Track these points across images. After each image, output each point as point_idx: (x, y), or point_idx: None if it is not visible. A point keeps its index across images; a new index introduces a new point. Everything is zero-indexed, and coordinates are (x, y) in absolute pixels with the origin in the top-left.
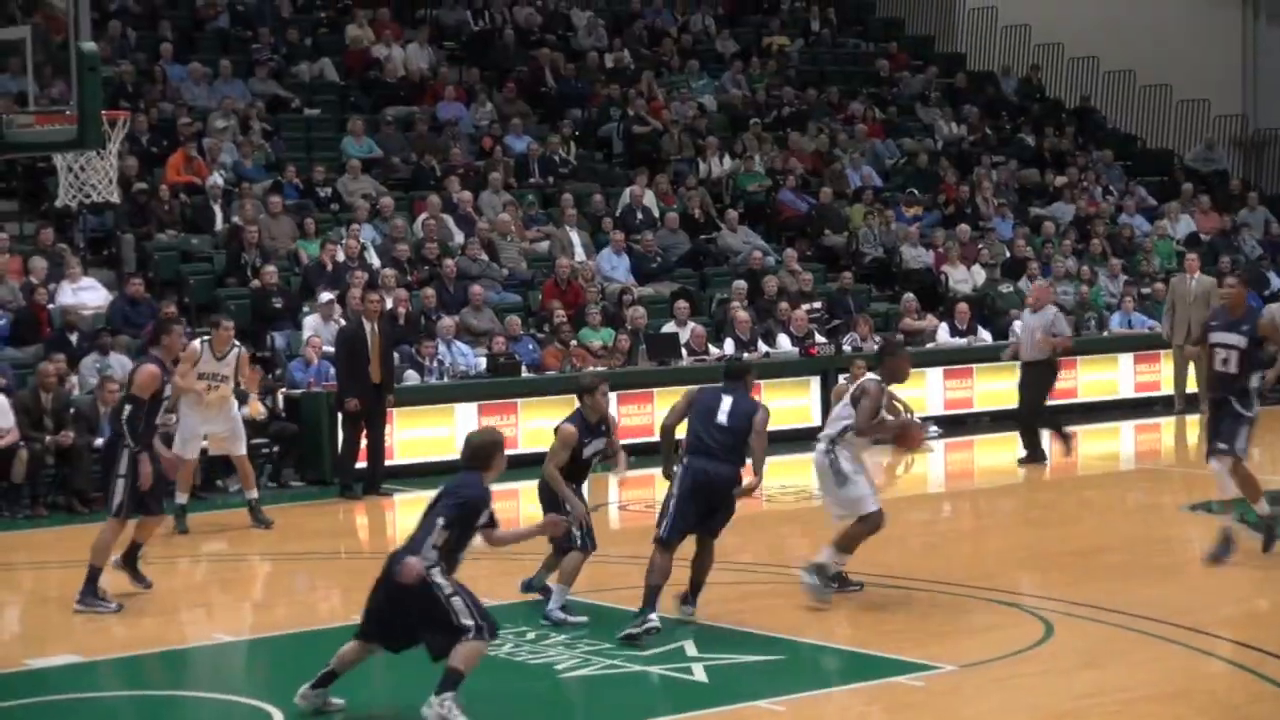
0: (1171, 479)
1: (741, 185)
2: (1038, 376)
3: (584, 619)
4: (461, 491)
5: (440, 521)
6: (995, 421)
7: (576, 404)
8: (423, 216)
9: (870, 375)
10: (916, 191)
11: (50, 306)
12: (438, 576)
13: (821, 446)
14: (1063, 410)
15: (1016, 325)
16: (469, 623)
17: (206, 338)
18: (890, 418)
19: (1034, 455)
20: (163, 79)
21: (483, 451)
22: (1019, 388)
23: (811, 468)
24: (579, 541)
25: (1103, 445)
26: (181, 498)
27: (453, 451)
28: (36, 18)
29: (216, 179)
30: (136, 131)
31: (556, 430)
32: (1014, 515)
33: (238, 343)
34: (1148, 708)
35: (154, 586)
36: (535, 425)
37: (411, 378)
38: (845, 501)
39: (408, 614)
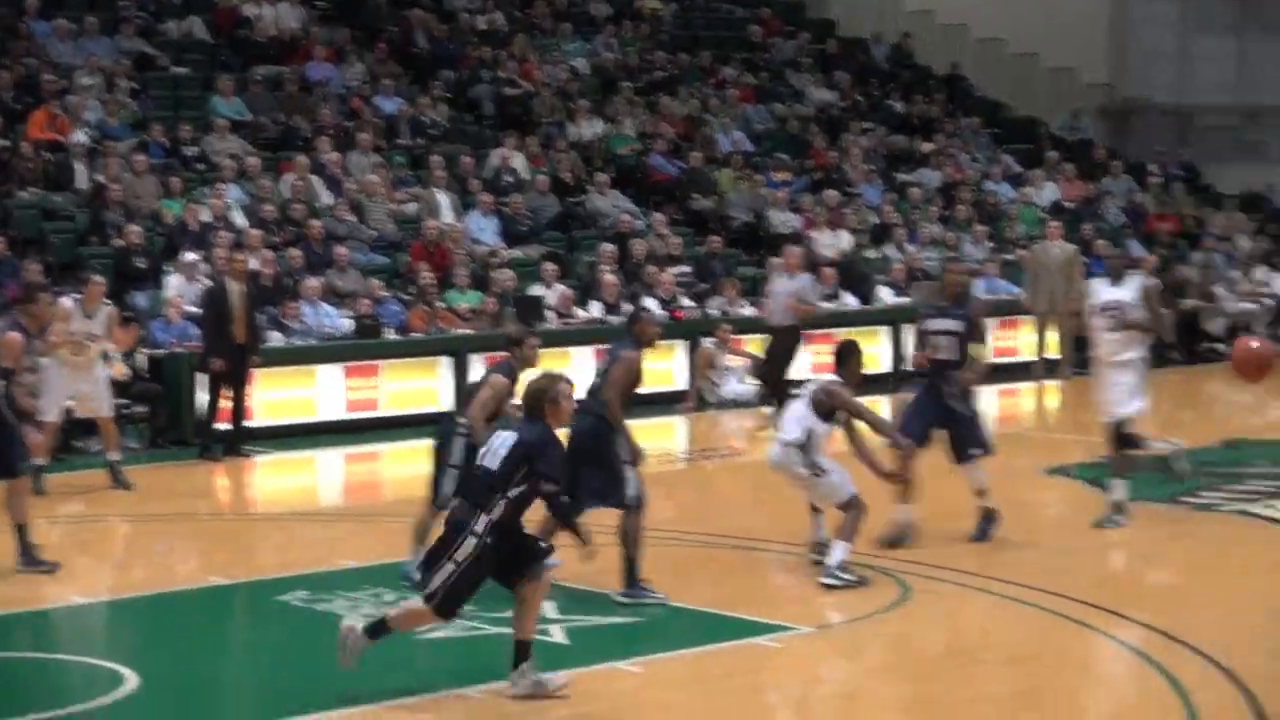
0: (1032, 444)
1: (612, 149)
2: (782, 342)
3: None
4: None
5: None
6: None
7: (505, 354)
8: (290, 177)
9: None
10: (786, 157)
11: None
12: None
13: (788, 449)
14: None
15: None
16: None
17: (77, 295)
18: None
19: None
20: (27, 35)
21: (530, 400)
22: (766, 352)
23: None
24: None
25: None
26: (39, 459)
27: (315, 413)
28: None
29: (80, 136)
30: None
31: (487, 379)
32: (875, 480)
33: (108, 301)
34: (1001, 669)
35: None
36: (398, 388)
37: (276, 339)
38: (822, 493)
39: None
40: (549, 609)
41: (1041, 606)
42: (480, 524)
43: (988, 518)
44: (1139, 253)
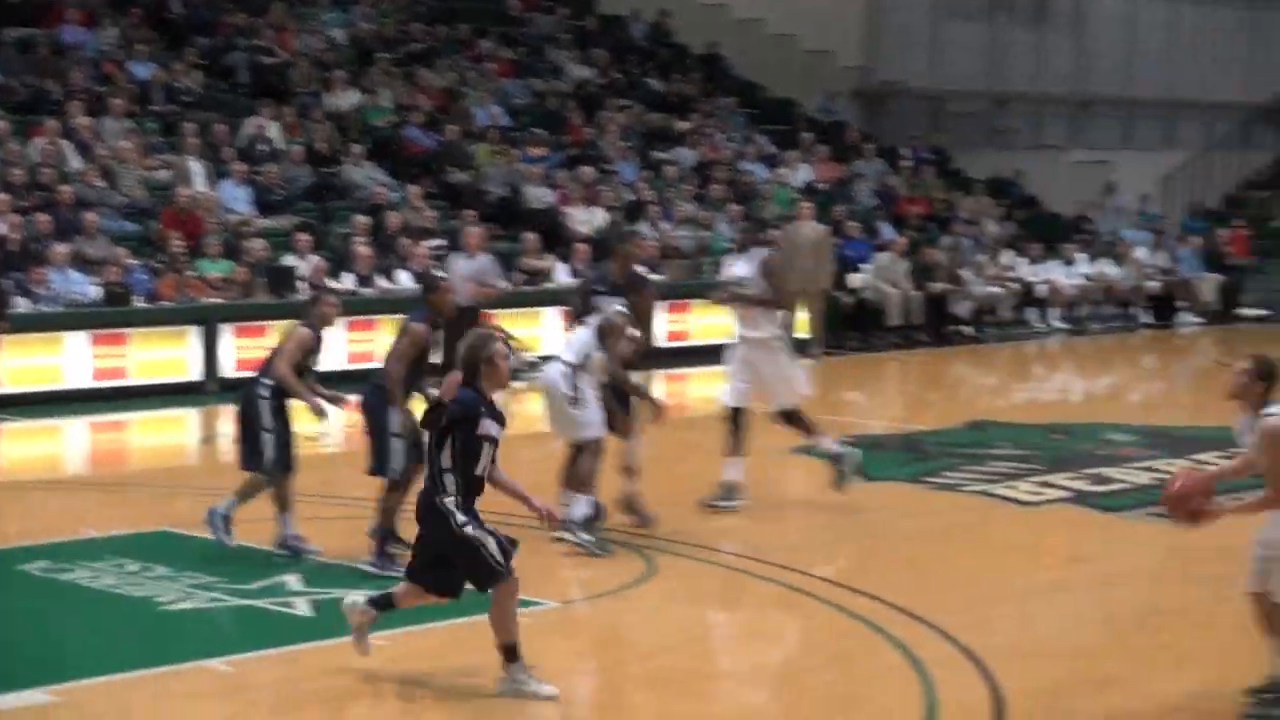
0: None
1: (368, 120)
2: (459, 325)
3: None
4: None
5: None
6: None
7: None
8: (40, 141)
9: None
10: (543, 132)
11: None
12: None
13: (562, 369)
14: (681, 353)
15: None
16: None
17: None
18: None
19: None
20: None
21: (464, 363)
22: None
23: (545, 385)
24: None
25: (710, 388)
26: None
27: (62, 381)
28: None
29: None
30: None
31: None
32: (620, 456)
33: None
34: (743, 644)
35: None
36: (147, 356)
37: (23, 305)
38: (572, 422)
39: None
40: (293, 581)
41: (783, 583)
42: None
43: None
44: (889, 235)
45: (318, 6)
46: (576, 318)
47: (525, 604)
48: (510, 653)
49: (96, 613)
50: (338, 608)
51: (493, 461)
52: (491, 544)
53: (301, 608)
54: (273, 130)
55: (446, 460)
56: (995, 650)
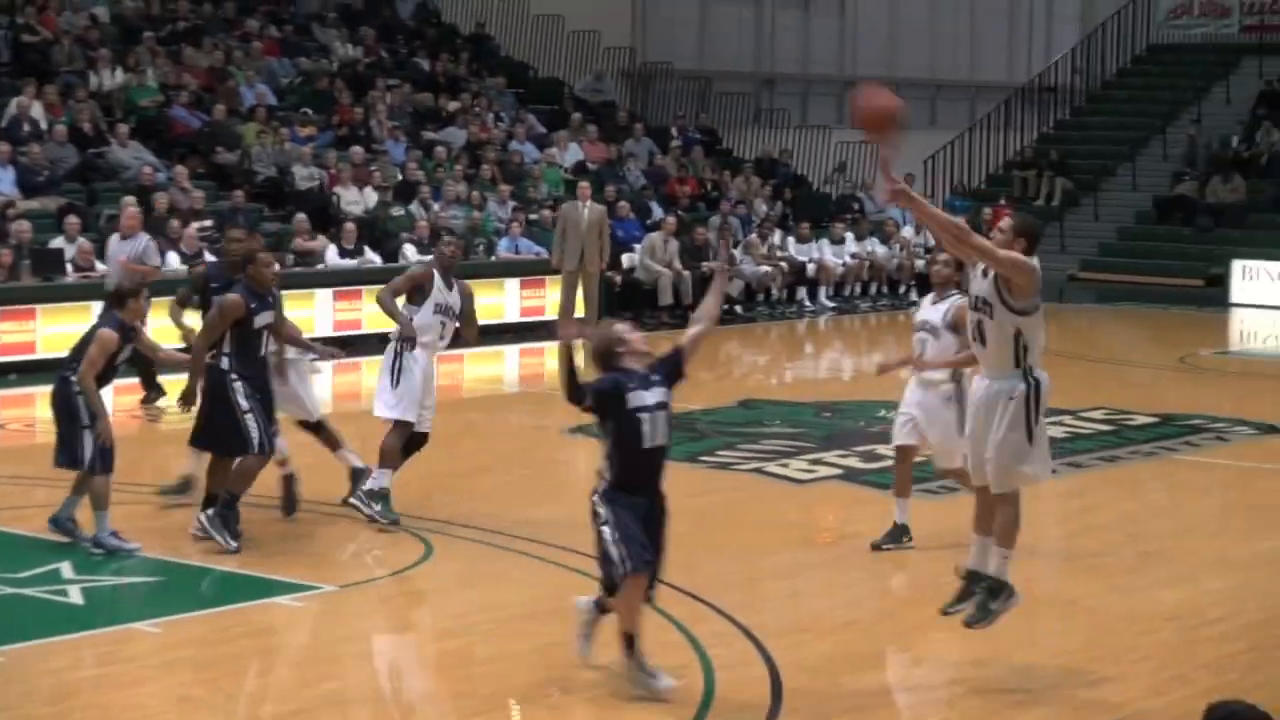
0: (555, 403)
1: (134, 100)
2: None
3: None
4: None
5: None
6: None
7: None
8: None
9: None
10: (310, 111)
11: None
12: None
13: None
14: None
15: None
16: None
17: None
18: None
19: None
20: None
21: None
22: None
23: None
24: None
25: (488, 368)
26: None
27: None
28: None
29: None
30: None
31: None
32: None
33: None
34: (522, 625)
35: None
36: None
37: None
38: (391, 400)
39: None
40: (66, 569)
41: (561, 564)
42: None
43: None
44: (660, 215)
45: None
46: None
47: (303, 587)
48: (629, 642)
49: None
50: (108, 596)
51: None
52: (614, 549)
53: (75, 596)
54: (35, 109)
55: (603, 448)
56: (770, 627)
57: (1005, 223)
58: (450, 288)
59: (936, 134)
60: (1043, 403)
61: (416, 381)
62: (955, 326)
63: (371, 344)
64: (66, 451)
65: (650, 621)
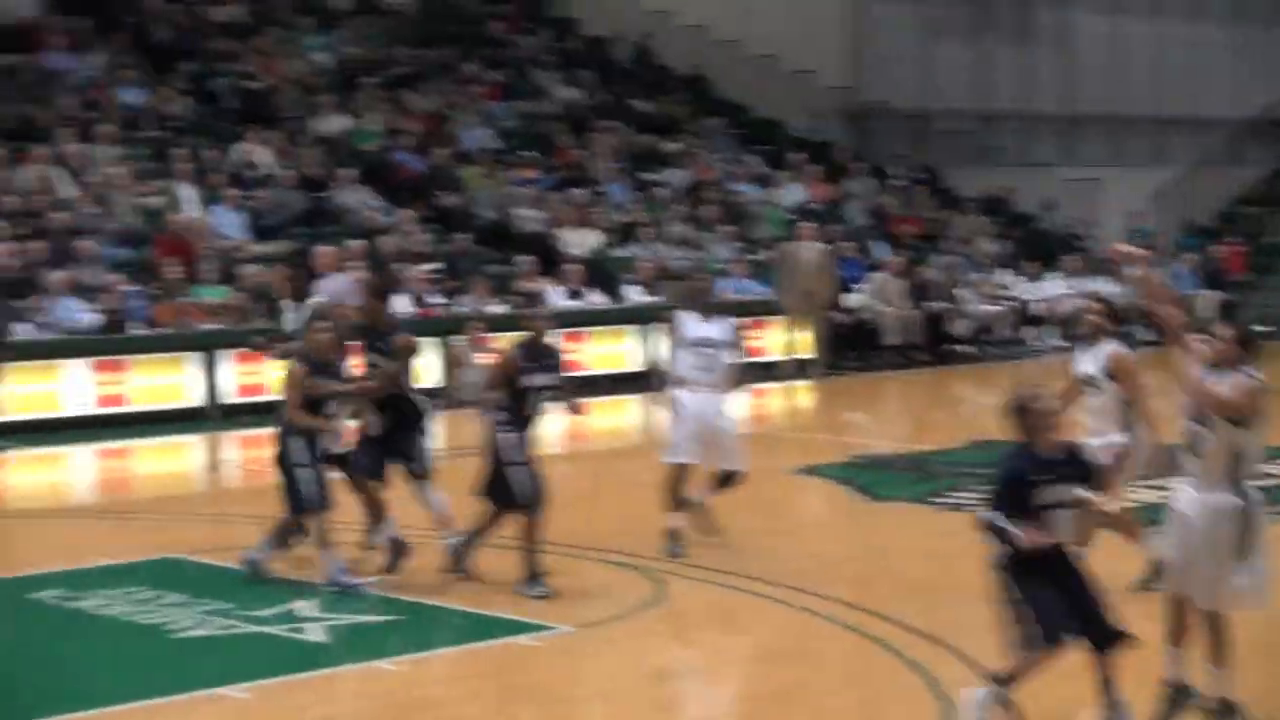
0: (783, 443)
1: (357, 144)
2: None
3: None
4: None
5: None
6: (613, 384)
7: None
8: (31, 168)
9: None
10: (532, 154)
11: None
12: None
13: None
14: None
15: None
16: None
17: None
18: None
19: None
20: None
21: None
22: None
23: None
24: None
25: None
26: None
27: (59, 408)
28: None
29: None
30: None
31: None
32: (628, 478)
33: None
34: (761, 668)
35: None
36: (146, 382)
37: (25, 332)
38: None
39: None
40: (306, 608)
41: (796, 605)
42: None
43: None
44: (884, 254)
45: (302, 30)
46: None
47: (540, 627)
48: (999, 680)
49: (110, 641)
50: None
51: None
52: (1030, 614)
53: (316, 634)
54: (262, 155)
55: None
56: None
57: (1224, 332)
58: (708, 318)
59: (1162, 170)
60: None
61: (687, 422)
62: (1115, 376)
63: (599, 384)
64: (290, 496)
65: (889, 665)
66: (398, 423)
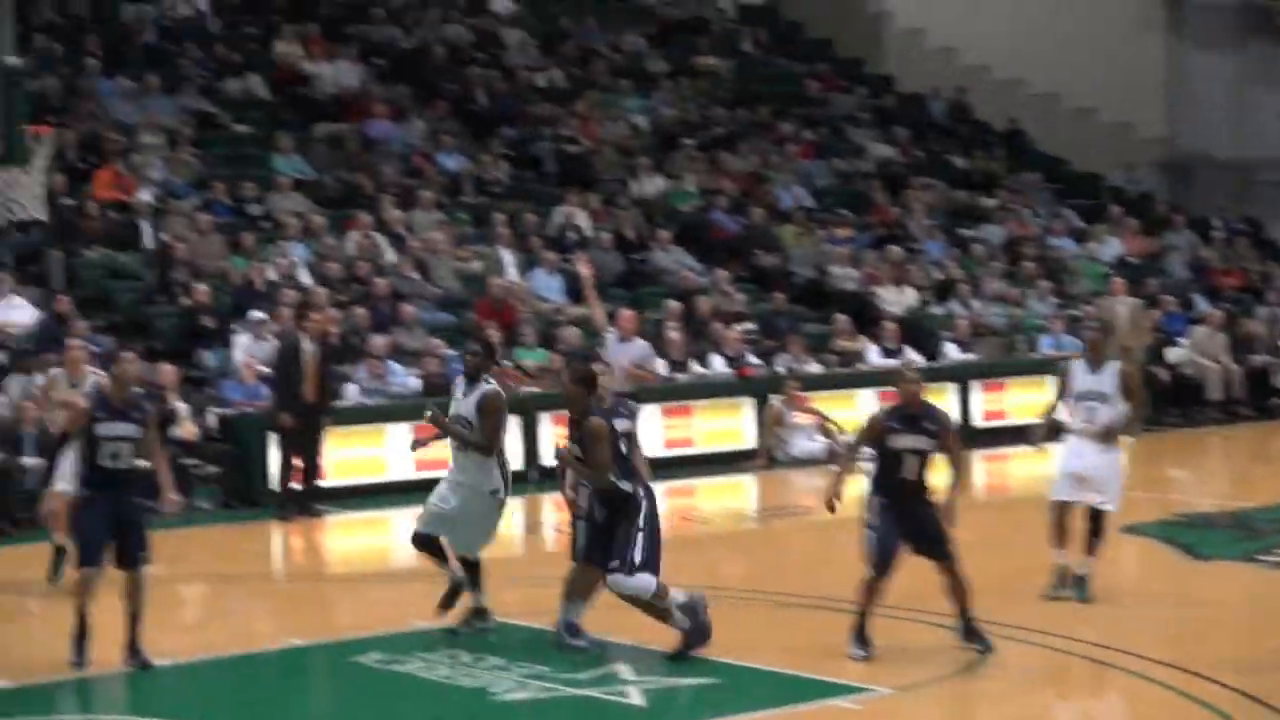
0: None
1: (674, 205)
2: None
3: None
4: None
5: None
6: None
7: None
8: (354, 235)
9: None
10: (848, 212)
11: None
12: None
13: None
14: (995, 432)
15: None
16: None
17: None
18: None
19: None
20: (90, 94)
21: None
22: None
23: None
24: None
25: (1035, 468)
26: (60, 539)
27: (385, 473)
28: None
29: (145, 195)
30: (64, 147)
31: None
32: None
33: (96, 370)
34: None
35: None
36: None
37: (352, 393)
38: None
39: None
40: (625, 670)
41: (1118, 666)
42: None
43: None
44: (1205, 308)
45: (619, 94)
46: None
47: (858, 689)
48: None
49: (435, 704)
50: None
51: None
52: None
53: (635, 697)
54: (581, 218)
55: None
56: None
57: None
58: (1098, 369)
59: None
60: None
61: (1071, 462)
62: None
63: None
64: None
65: (1191, 710)
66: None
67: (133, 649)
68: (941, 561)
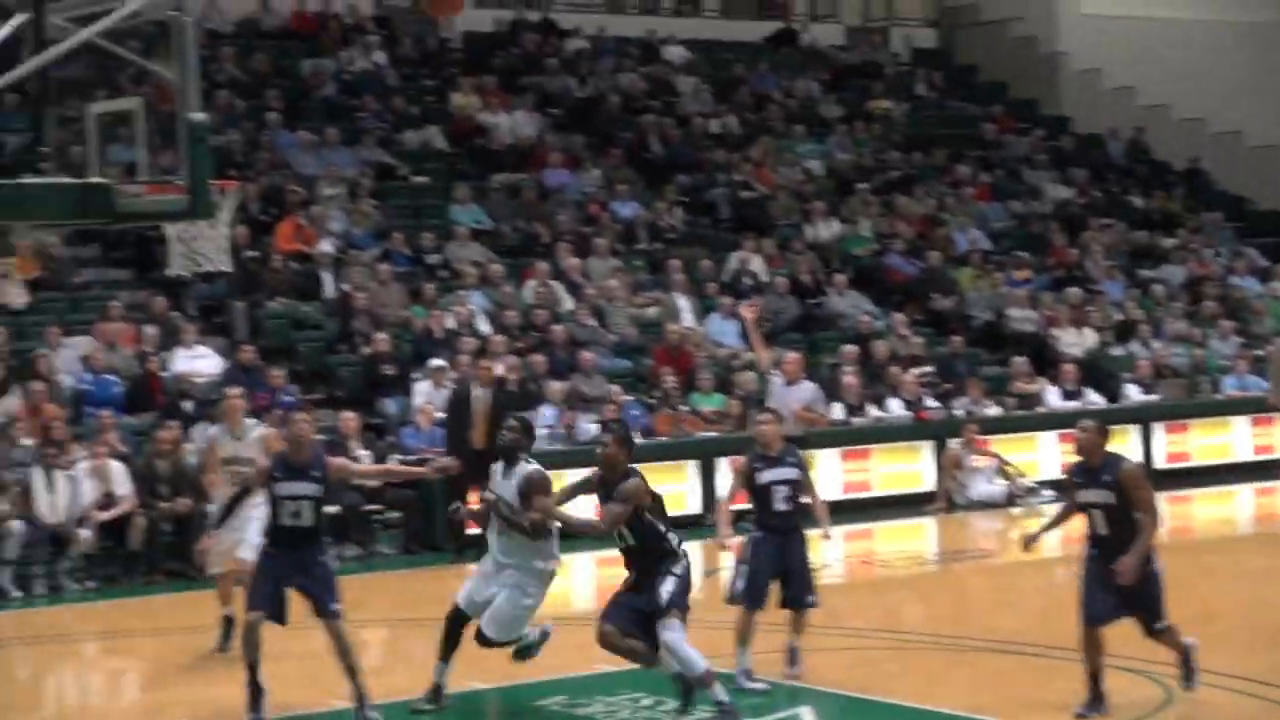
0: None
1: (849, 249)
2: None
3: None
4: None
5: None
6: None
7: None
8: (531, 283)
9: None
10: (1026, 254)
11: (163, 374)
12: None
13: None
14: (1178, 474)
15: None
16: None
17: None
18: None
19: None
20: (271, 147)
21: None
22: None
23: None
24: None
25: (1219, 509)
26: (228, 609)
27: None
28: (146, 88)
29: (326, 247)
30: (247, 200)
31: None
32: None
33: (258, 421)
34: None
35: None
36: None
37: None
38: None
39: None
40: (807, 715)
41: None
42: None
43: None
44: None
45: (793, 139)
46: None
47: None
48: None
49: None
50: None
51: None
52: None
53: None
54: (755, 263)
55: None
56: None
57: None
58: None
59: None
60: None
61: None
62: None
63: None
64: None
65: None
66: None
67: (358, 700)
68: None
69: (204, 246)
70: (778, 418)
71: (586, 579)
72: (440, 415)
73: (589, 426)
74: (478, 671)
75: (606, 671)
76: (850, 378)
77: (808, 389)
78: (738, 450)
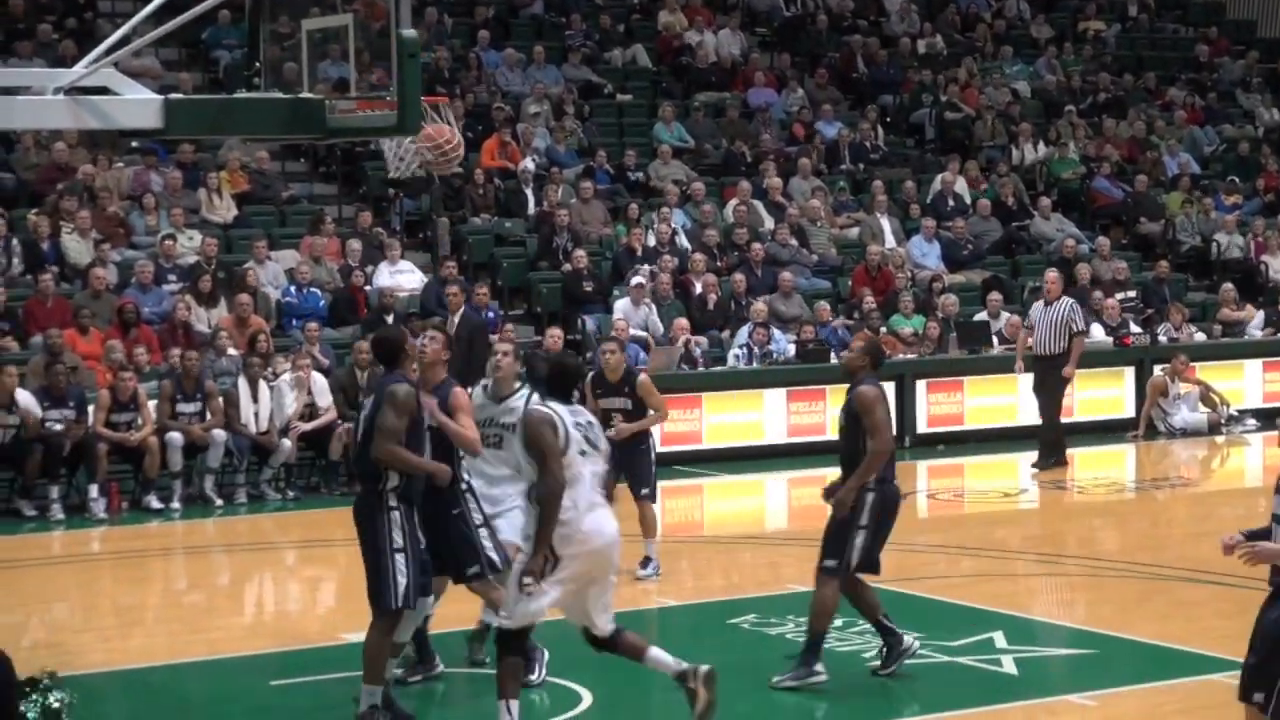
0: None
1: (1055, 172)
2: (1055, 374)
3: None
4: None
5: None
6: None
7: None
8: (733, 202)
9: None
10: (1236, 179)
11: (367, 288)
12: None
13: None
14: None
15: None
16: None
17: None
18: None
19: (1057, 459)
20: (478, 65)
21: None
22: (1034, 388)
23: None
24: None
25: None
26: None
27: (761, 436)
28: (357, 5)
29: (529, 164)
30: (454, 117)
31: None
32: None
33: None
34: None
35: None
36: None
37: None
38: None
39: None
40: (999, 639)
41: None
42: None
43: None
44: None
45: (1001, 60)
46: None
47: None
48: None
49: None
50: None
51: None
52: None
53: (1008, 666)
54: (959, 185)
55: None
56: None
57: None
58: None
59: None
60: None
61: None
62: None
63: None
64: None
65: None
66: None
67: None
68: None
69: (408, 155)
70: None
71: (779, 500)
72: (637, 332)
73: (787, 345)
74: (671, 590)
75: (797, 591)
76: None
77: (1066, 305)
78: (935, 373)
